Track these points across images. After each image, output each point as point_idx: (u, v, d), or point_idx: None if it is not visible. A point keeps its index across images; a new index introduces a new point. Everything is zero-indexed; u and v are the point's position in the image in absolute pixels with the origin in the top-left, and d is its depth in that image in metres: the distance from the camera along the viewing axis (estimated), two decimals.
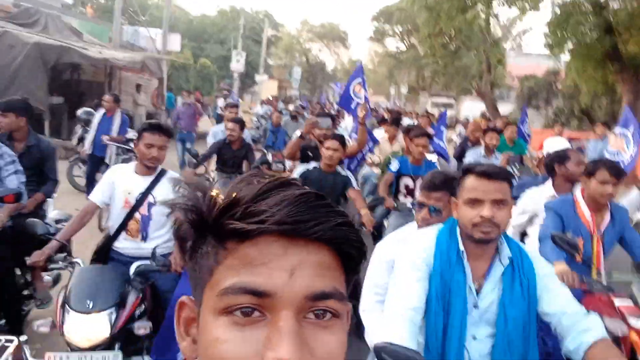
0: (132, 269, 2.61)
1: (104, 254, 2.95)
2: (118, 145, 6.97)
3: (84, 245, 2.76)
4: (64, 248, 2.82)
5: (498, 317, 1.65)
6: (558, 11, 16.16)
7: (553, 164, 3.36)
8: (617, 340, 2.35)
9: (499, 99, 29.37)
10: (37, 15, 12.52)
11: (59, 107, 11.71)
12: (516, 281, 1.66)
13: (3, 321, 3.24)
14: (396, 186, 4.58)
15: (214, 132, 6.66)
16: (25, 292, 3.56)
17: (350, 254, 0.56)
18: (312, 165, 4.06)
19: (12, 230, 3.21)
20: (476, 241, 1.66)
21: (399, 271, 1.73)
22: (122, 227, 2.88)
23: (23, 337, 2.35)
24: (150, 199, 2.87)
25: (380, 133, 7.12)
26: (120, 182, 2.89)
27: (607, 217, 2.84)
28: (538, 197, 3.26)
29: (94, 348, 2.24)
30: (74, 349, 2.25)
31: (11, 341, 2.13)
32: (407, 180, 4.52)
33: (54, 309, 2.41)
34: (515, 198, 3.24)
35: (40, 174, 3.75)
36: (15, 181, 3.20)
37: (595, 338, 1.53)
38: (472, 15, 17.87)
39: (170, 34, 18.48)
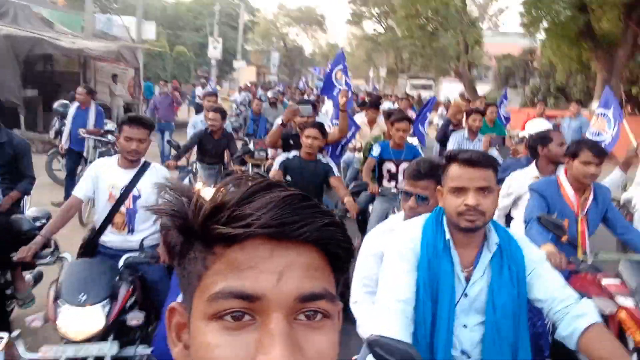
0: (121, 261, 2.63)
1: (91, 247, 2.97)
2: (96, 138, 6.84)
3: (67, 240, 2.78)
4: (48, 244, 2.82)
5: (487, 304, 1.64)
6: None
7: (536, 146, 3.37)
8: (606, 319, 2.33)
9: (477, 79, 29.61)
10: (5, 6, 12.16)
11: (34, 99, 11.47)
12: (504, 267, 1.64)
13: None
14: (379, 171, 4.62)
15: (194, 122, 6.56)
16: (7, 292, 3.48)
17: (338, 253, 0.57)
18: (292, 154, 4.06)
19: None
20: (462, 230, 1.64)
21: (388, 263, 1.71)
22: (108, 220, 2.90)
23: (15, 332, 2.38)
24: (135, 192, 2.88)
25: (360, 117, 7.15)
26: (104, 176, 2.89)
27: (590, 197, 2.86)
28: (523, 179, 3.28)
29: (88, 340, 2.28)
30: (68, 341, 2.29)
31: (1, 338, 2.13)
32: (389, 165, 4.56)
33: (46, 304, 2.43)
34: (500, 181, 3.22)
35: (15, 172, 3.67)
36: None
37: (588, 323, 1.52)
38: None
39: (145, 21, 18.12)
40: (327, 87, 6.01)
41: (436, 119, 14.87)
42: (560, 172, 2.97)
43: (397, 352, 1.35)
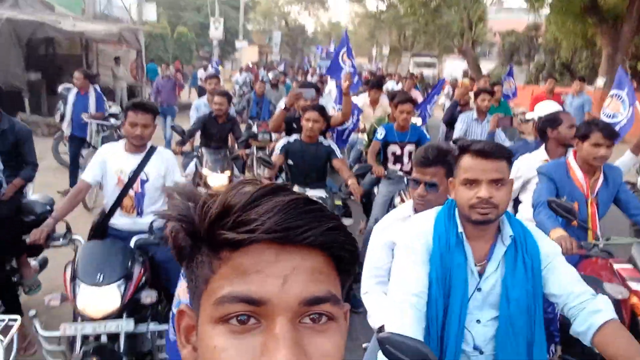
0: (132, 243, 2.75)
1: (101, 230, 3.07)
2: (98, 122, 6.77)
3: (72, 224, 2.89)
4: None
5: (500, 298, 1.59)
6: None
7: (545, 128, 3.29)
8: (618, 304, 2.24)
9: (481, 56, 29.33)
10: None
11: (37, 83, 11.50)
12: (519, 261, 1.60)
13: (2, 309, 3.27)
14: (384, 154, 4.57)
15: (197, 105, 6.49)
16: (14, 279, 3.54)
17: (343, 256, 0.58)
18: (293, 137, 4.06)
19: None
20: (474, 223, 1.60)
21: (399, 257, 1.68)
22: (117, 204, 2.99)
23: (32, 312, 2.49)
24: (142, 176, 2.96)
25: (363, 98, 7.06)
26: (112, 161, 2.97)
27: (600, 179, 2.82)
28: (532, 163, 3.21)
29: (105, 318, 2.42)
30: (85, 319, 2.42)
31: (15, 320, 2.20)
32: (394, 148, 4.51)
33: (63, 284, 2.54)
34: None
35: (17, 158, 3.64)
36: None
37: (604, 320, 1.48)
38: None
39: (146, 3, 17.98)
40: (334, 68, 6.01)
41: (443, 98, 14.54)
42: (569, 154, 2.92)
43: (408, 350, 1.33)
